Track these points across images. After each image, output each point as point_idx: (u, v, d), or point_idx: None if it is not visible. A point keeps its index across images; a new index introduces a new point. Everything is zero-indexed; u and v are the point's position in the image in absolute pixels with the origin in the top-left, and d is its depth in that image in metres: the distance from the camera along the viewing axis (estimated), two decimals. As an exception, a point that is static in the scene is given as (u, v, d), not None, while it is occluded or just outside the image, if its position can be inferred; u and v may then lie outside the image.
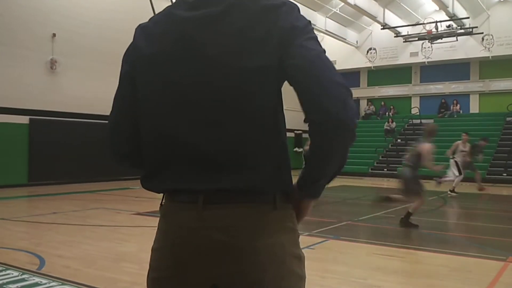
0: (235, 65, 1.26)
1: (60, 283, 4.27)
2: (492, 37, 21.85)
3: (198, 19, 1.31)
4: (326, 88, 1.21)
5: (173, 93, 1.32)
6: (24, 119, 13.94)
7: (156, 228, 1.43)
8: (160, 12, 1.44)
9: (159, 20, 1.41)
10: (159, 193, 1.41)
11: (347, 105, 1.21)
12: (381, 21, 22.29)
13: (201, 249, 1.27)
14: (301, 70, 1.24)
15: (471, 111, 23.89)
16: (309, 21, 1.34)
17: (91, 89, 15.26)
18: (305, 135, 26.22)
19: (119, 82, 1.49)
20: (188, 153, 1.30)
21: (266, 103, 1.28)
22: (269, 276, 1.26)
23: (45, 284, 4.24)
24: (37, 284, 4.25)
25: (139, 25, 1.47)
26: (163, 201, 1.41)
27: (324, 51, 1.29)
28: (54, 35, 14.60)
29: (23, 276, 4.46)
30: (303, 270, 1.36)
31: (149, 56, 1.36)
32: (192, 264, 1.29)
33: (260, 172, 1.28)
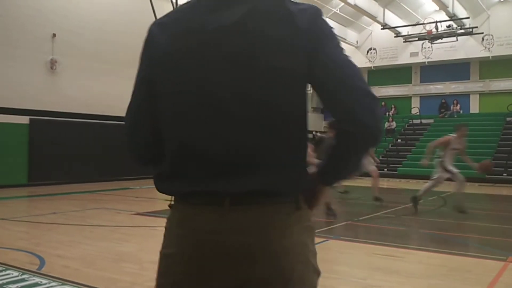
0: (260, 66, 1.24)
1: (60, 283, 4.26)
2: (492, 37, 21.85)
3: (223, 19, 1.28)
4: (358, 98, 1.25)
5: (195, 92, 1.28)
6: (24, 119, 13.93)
7: (165, 230, 1.38)
8: (178, 9, 1.39)
9: (180, 17, 1.36)
10: (176, 196, 1.36)
11: (377, 116, 1.27)
12: (381, 21, 22.30)
13: (227, 252, 1.25)
14: (331, 77, 1.27)
15: (471, 111, 23.88)
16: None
17: (91, 89, 15.27)
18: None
19: (135, 83, 1.42)
20: (210, 153, 1.27)
21: (291, 104, 1.28)
22: (296, 275, 1.27)
23: (45, 284, 4.24)
24: (37, 284, 4.24)
25: (155, 22, 1.40)
26: (174, 203, 1.37)
27: (350, 58, 1.32)
28: (54, 35, 14.60)
29: (23, 276, 4.45)
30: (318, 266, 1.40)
31: (171, 53, 1.31)
32: (218, 268, 1.27)
33: (286, 174, 1.28)
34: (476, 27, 21.08)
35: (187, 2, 1.38)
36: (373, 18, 22.23)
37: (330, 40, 1.30)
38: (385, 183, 17.07)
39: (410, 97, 25.80)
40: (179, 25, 1.34)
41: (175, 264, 1.32)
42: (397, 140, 22.67)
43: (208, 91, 1.26)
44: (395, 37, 22.99)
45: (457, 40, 21.52)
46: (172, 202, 1.38)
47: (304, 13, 1.28)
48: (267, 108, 1.25)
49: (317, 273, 1.36)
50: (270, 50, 1.24)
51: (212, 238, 1.26)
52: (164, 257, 1.35)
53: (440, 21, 20.82)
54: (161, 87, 1.33)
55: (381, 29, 22.67)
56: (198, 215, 1.29)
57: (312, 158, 8.05)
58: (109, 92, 15.42)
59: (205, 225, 1.27)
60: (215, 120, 1.25)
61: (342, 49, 1.31)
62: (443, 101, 24.22)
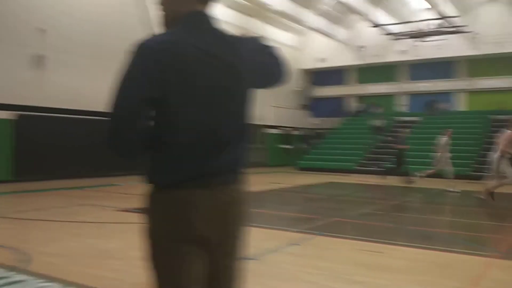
0: (242, 78, 1.78)
1: (46, 280, 4.22)
2: (481, 35, 22.03)
3: (221, 43, 1.76)
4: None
5: (207, 92, 1.69)
6: (11, 115, 13.78)
7: (162, 213, 1.70)
8: (172, 32, 1.72)
9: (177, 38, 1.69)
10: (177, 181, 1.69)
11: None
12: (371, 19, 22.38)
13: (214, 218, 1.75)
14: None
15: (459, 109, 24.07)
16: None
17: (79, 85, 15.13)
18: (294, 132, 26.29)
19: (135, 81, 1.61)
20: (208, 141, 1.71)
21: (250, 100, 1.84)
22: (241, 232, 1.87)
23: (30, 280, 4.19)
24: (22, 281, 4.19)
25: (153, 39, 1.67)
26: (166, 189, 1.71)
27: None
28: (42, 30, 14.42)
29: (8, 273, 4.40)
30: None
31: (186, 62, 1.65)
32: (208, 225, 1.74)
33: (245, 158, 1.83)
34: (465, 25, 21.24)
35: (178, 29, 1.73)
36: (362, 16, 22.29)
37: None
38: (373, 180, 17.14)
39: (399, 94, 25.95)
40: (182, 43, 1.67)
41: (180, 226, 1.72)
42: (386, 138, 22.79)
43: (213, 91, 1.72)
44: (384, 35, 23.10)
45: (446, 38, 21.67)
46: (155, 190, 1.73)
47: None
48: (242, 103, 1.81)
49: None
50: (245, 68, 1.79)
51: (207, 207, 1.73)
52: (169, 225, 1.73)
53: (429, 19, 20.96)
54: (174, 87, 1.64)
55: (370, 27, 22.75)
56: (193, 195, 1.70)
57: None
58: (97, 88, 15.19)
59: (199, 201, 1.71)
60: (218, 111, 1.73)
61: None
62: (431, 98, 24.38)
